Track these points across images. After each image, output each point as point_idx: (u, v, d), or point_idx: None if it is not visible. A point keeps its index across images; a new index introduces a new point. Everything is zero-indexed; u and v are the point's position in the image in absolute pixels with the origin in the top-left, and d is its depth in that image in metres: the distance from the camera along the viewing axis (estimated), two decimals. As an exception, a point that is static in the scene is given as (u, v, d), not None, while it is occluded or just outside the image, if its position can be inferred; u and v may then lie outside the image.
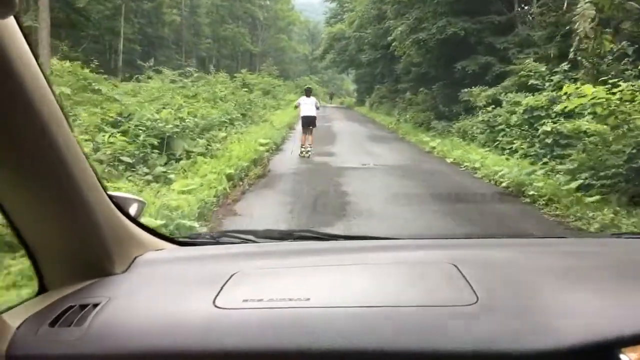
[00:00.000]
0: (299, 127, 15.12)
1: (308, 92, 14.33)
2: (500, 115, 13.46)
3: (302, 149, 13.28)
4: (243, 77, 29.37)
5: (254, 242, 1.56)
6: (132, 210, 1.36)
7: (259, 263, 1.33)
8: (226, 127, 14.97)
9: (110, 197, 1.24)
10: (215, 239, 1.57)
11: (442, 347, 0.92)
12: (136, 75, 24.82)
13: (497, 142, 13.11)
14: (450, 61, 19.66)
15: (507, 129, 12.84)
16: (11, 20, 0.85)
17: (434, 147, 15.14)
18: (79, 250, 1.18)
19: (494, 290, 1.09)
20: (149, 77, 23.37)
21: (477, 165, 11.10)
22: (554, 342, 0.91)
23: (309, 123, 13.56)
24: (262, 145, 13.22)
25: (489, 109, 14.25)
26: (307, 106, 13.61)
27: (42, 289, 1.19)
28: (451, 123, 18.36)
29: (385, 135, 21.00)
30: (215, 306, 1.05)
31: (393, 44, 24.04)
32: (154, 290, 1.19)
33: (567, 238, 1.85)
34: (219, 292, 1.11)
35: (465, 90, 17.64)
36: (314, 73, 72.99)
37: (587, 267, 1.28)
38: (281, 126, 20.36)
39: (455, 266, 1.21)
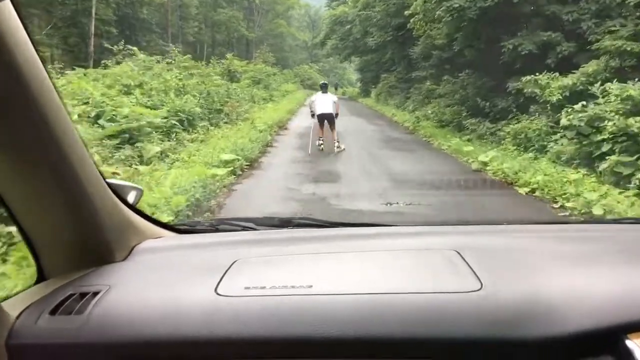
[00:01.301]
0: (293, 125, 13.49)
1: (324, 88, 12.09)
2: (605, 118, 8.20)
3: (321, 142, 11.53)
4: (228, 63, 24.10)
5: (253, 229, 1.51)
6: (131, 197, 1.31)
7: (260, 250, 1.30)
8: (174, 133, 9.75)
9: (109, 184, 1.21)
10: (215, 227, 1.53)
11: (447, 334, 0.90)
12: (104, 61, 19.76)
13: (601, 162, 7.89)
14: (492, 40, 14.44)
15: (625, 142, 7.60)
16: (8, 5, 0.84)
17: (485, 163, 9.93)
18: (78, 238, 1.16)
19: (498, 276, 1.05)
20: (118, 63, 18.30)
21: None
22: (559, 328, 0.89)
23: (325, 120, 11.61)
24: (221, 165, 8.04)
25: (577, 106, 8.98)
26: (324, 104, 11.54)
27: (42, 278, 1.16)
28: (497, 124, 13.16)
29: (403, 137, 15.73)
30: (217, 294, 1.02)
31: (412, 20, 18.70)
32: (155, 278, 1.15)
33: (570, 224, 1.83)
34: (221, 279, 1.08)
35: (517, 79, 12.45)
36: (314, 61, 67.52)
37: (592, 252, 1.24)
38: (267, 126, 15.18)
39: (458, 253, 1.18)
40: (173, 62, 19.00)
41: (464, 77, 17.16)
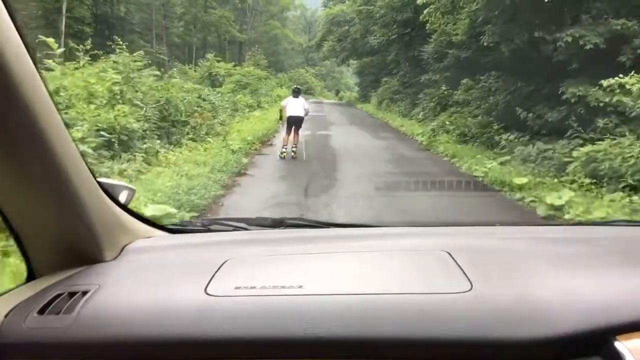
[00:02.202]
0: (280, 140, 11.91)
1: (296, 93, 11.78)
2: None
3: (284, 150, 10.95)
4: (209, 65, 20.56)
5: (245, 229, 1.50)
6: (122, 197, 1.30)
7: (251, 251, 1.29)
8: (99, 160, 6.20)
9: (100, 184, 1.19)
10: (206, 227, 1.51)
11: (436, 335, 0.89)
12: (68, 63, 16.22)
13: None
14: (534, 31, 11.02)
15: None
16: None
17: (558, 208, 6.46)
18: (68, 237, 1.14)
19: (488, 277, 1.04)
20: (76, 68, 14.83)
21: None
22: (549, 329, 0.88)
23: (294, 123, 11.27)
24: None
25: None
26: (294, 107, 11.30)
27: (31, 277, 1.15)
28: (552, 144, 9.66)
29: (419, 157, 12.17)
30: (207, 294, 1.00)
31: (425, 12, 15.20)
32: (145, 278, 1.13)
33: (561, 226, 1.78)
34: (211, 279, 1.06)
35: (575, 84, 8.98)
36: (310, 65, 64.05)
37: (583, 254, 1.23)
38: (245, 143, 11.69)
39: (449, 253, 1.16)
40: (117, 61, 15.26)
41: (492, 81, 13.68)
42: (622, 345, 0.84)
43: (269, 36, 56.84)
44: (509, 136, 11.35)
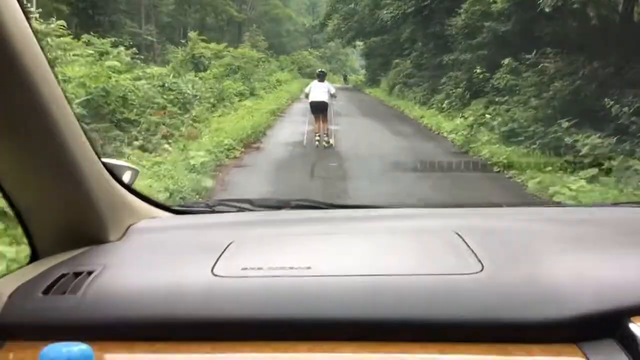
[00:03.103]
0: (273, 141, 10.59)
1: (321, 77, 10.79)
2: None
3: (318, 139, 10.10)
4: (191, 46, 17.03)
5: (250, 210, 1.46)
6: (126, 177, 1.28)
7: (257, 232, 1.26)
8: None
9: (104, 164, 1.17)
10: (211, 208, 1.47)
11: (447, 316, 0.86)
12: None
13: None
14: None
15: None
16: None
17: None
18: (72, 217, 1.12)
19: (499, 258, 1.01)
20: None
21: None
22: (562, 310, 0.85)
23: (319, 109, 10.30)
24: None
25: None
26: (318, 91, 10.34)
27: (35, 257, 1.13)
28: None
29: (465, 169, 8.67)
30: (214, 274, 0.97)
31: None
32: (150, 258, 1.11)
33: (571, 207, 1.78)
34: (217, 260, 1.02)
35: None
36: (314, 47, 60.17)
37: (594, 235, 1.19)
38: (221, 149, 8.31)
39: (459, 234, 1.12)
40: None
41: (550, 61, 10.16)
42: (636, 326, 0.81)
43: (270, 16, 52.91)
44: (588, 138, 7.89)
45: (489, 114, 11.69)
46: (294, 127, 13.19)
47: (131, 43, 23.67)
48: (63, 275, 0.99)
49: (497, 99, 12.16)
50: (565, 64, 9.71)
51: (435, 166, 8.33)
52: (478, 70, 12.92)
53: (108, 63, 8.97)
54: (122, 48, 15.51)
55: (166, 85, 10.60)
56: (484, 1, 12.76)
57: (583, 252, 1.06)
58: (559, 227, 1.27)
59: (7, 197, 1.04)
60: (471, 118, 11.61)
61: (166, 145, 7.80)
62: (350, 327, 0.87)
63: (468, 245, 1.05)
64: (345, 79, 50.31)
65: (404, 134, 12.60)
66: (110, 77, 8.22)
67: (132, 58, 19.90)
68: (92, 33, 19.98)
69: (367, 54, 38.83)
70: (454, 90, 15.43)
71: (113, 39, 20.24)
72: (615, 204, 1.77)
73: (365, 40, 34.75)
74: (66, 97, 1.00)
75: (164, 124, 8.45)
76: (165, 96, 9.88)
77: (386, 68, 30.62)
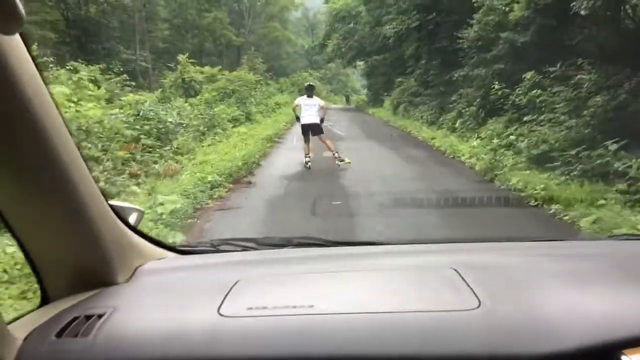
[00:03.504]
0: (268, 173, 9.26)
1: (309, 91, 9.88)
2: None
3: (308, 160, 9.51)
4: (181, 70, 15.76)
5: (254, 249, 1.51)
6: (132, 219, 1.30)
7: (261, 271, 1.29)
8: None
9: (111, 206, 1.19)
10: (216, 247, 1.50)
11: (446, 352, 0.88)
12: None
13: None
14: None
15: None
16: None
17: None
18: (81, 260, 1.14)
19: (496, 294, 1.03)
20: None
21: None
22: (557, 345, 0.87)
23: (309, 131, 9.61)
24: None
25: None
26: (308, 110, 9.59)
27: (46, 300, 1.15)
28: None
29: (494, 204, 7.12)
30: (220, 314, 1.00)
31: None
32: (158, 300, 1.13)
33: (566, 241, 1.77)
34: (223, 300, 1.05)
35: None
36: (315, 69, 59.27)
37: (588, 269, 1.22)
38: (202, 189, 6.86)
39: (457, 271, 1.15)
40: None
41: (585, 72, 8.74)
42: (628, 359, 0.83)
43: (269, 39, 52.09)
44: (646, 164, 6.41)
45: (512, 134, 10.24)
46: (292, 154, 11.76)
47: (121, 70, 22.70)
48: (75, 319, 1.00)
49: (520, 117, 10.74)
50: (604, 76, 8.28)
51: (461, 201, 6.84)
52: (496, 86, 11.46)
53: (57, 89, 7.59)
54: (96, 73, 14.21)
55: (142, 113, 9.20)
56: (498, 10, 11.43)
57: (578, 287, 1.08)
58: (555, 262, 1.28)
59: (18, 241, 1.05)
60: (495, 140, 10.12)
61: (134, 187, 6.36)
62: None
63: (465, 281, 1.07)
64: (347, 99, 49.11)
65: (417, 159, 11.14)
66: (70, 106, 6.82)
67: (122, 85, 18.80)
68: (79, 60, 18.94)
69: (368, 73, 37.72)
70: (466, 109, 14.01)
71: (102, 66, 19.17)
72: (612, 237, 1.83)
73: (366, 59, 33.62)
74: (75, 142, 1.01)
75: (134, 160, 7.06)
76: (139, 127, 8.47)
77: (389, 87, 29.36)
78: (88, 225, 1.08)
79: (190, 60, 15.95)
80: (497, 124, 12.09)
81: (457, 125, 14.14)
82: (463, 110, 14.20)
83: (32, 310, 1.11)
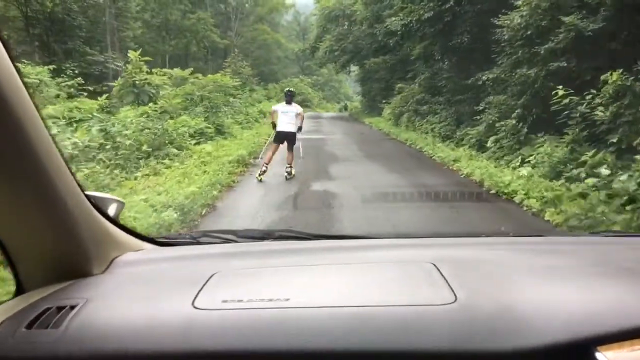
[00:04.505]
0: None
1: (289, 97, 9.08)
2: None
3: (264, 169, 8.57)
4: (131, 71, 12.08)
5: (234, 241, 1.47)
6: (111, 210, 1.27)
7: (239, 263, 1.26)
8: None
9: (88, 197, 1.16)
10: (195, 239, 1.47)
11: (422, 347, 0.88)
12: None
13: None
14: None
15: None
16: None
17: None
18: (57, 251, 1.11)
19: (473, 289, 1.02)
20: None
21: None
22: (532, 341, 0.86)
23: (284, 139, 8.90)
24: None
25: None
26: (285, 118, 8.87)
27: (20, 291, 1.12)
28: None
29: None
30: (195, 307, 0.98)
31: None
32: (133, 291, 1.10)
33: (545, 237, 1.66)
34: (198, 292, 1.03)
35: None
36: (307, 75, 55.81)
37: (565, 265, 1.21)
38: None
39: (435, 265, 1.14)
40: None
41: None
42: (602, 355, 0.82)
43: (258, 43, 48.53)
44: None
45: (595, 163, 6.71)
46: (269, 187, 8.18)
47: (79, 72, 19.11)
48: (47, 310, 0.98)
49: (596, 137, 7.23)
50: None
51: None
52: (560, 92, 7.89)
53: None
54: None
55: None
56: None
57: (554, 283, 1.06)
58: (534, 257, 1.27)
59: None
60: (590, 181, 6.50)
61: None
62: (327, 358, 0.87)
63: (443, 276, 1.06)
64: (345, 108, 45.52)
65: (446, 198, 7.55)
66: None
67: (77, 89, 15.23)
68: (37, 61, 15.46)
69: (363, 78, 34.17)
70: (500, 122, 10.46)
71: (52, 67, 15.62)
72: (592, 234, 1.75)
73: (362, 63, 30.07)
74: (50, 134, 0.99)
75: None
76: None
77: (388, 94, 25.88)
78: (63, 216, 1.05)
79: (144, 59, 12.25)
80: (551, 145, 8.58)
81: (490, 144, 10.58)
82: (495, 123, 10.66)
83: (5, 301, 1.07)
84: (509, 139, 10.02)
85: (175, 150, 9.88)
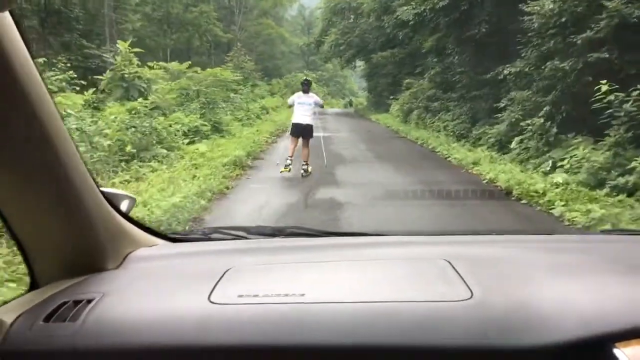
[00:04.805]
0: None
1: (306, 87, 8.61)
2: None
3: (288, 163, 8.21)
4: (120, 63, 11.06)
5: (246, 238, 1.46)
6: (124, 206, 1.26)
7: (253, 259, 1.26)
8: None
9: (102, 193, 1.15)
10: (207, 236, 1.48)
11: (437, 343, 0.87)
12: None
13: None
14: None
15: None
16: (7, 16, 0.81)
17: None
18: (71, 246, 1.11)
19: (488, 286, 1.01)
20: None
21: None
22: (549, 337, 0.86)
23: (301, 133, 8.40)
24: None
25: None
26: (301, 109, 8.40)
27: (35, 285, 1.11)
28: None
29: None
30: (211, 302, 0.97)
31: None
32: (148, 286, 1.11)
33: (559, 235, 1.70)
34: (214, 287, 1.03)
35: None
36: (311, 70, 54.68)
37: (580, 263, 1.20)
38: None
39: (449, 262, 1.13)
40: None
41: None
42: (620, 352, 0.81)
43: (262, 38, 47.43)
44: None
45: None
46: (267, 194, 7.16)
47: (73, 65, 18.19)
48: (64, 304, 0.98)
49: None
50: None
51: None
52: (604, 87, 6.80)
53: None
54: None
55: None
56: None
57: (570, 280, 1.05)
58: (548, 254, 1.26)
59: (7, 226, 1.02)
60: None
61: None
62: (343, 353, 0.86)
63: (458, 273, 1.05)
64: (350, 104, 44.38)
65: (467, 206, 6.49)
66: None
67: (70, 83, 14.28)
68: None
69: (369, 74, 33.06)
70: (526, 121, 9.38)
71: (42, 60, 14.68)
72: (604, 232, 1.73)
73: (369, 57, 28.92)
74: (68, 129, 0.98)
75: None
76: None
77: (395, 90, 24.80)
78: (79, 211, 1.04)
79: (134, 50, 11.22)
80: (586, 147, 7.52)
81: (515, 145, 9.50)
82: (521, 123, 9.57)
83: (21, 295, 1.06)
84: (535, 140, 8.93)
85: (164, 151, 8.86)
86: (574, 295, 0.97)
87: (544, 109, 9.02)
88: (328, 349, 0.86)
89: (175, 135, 10.04)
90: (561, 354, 0.83)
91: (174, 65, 15.87)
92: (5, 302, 1.02)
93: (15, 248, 1.00)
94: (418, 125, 17.67)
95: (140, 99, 10.35)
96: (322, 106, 8.86)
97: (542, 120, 8.94)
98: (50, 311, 0.96)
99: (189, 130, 10.87)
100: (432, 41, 14.75)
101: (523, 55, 10.30)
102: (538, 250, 1.32)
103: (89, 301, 0.99)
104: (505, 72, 10.42)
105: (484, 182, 8.32)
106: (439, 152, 12.02)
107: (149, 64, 15.50)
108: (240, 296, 0.98)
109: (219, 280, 1.05)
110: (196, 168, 8.29)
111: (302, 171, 8.32)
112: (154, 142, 8.90)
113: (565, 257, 1.23)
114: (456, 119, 14.28)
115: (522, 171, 8.41)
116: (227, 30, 42.22)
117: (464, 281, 1.01)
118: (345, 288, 1.03)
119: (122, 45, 11.32)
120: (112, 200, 1.18)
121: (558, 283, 1.02)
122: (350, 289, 1.02)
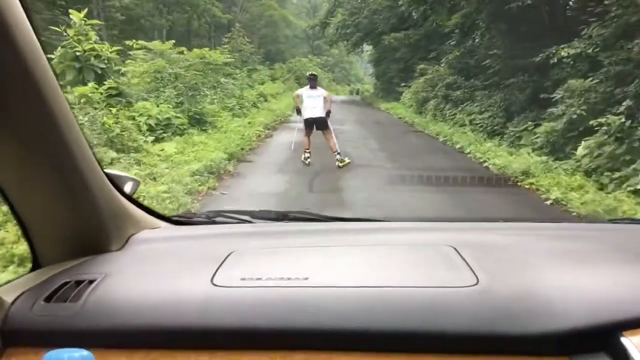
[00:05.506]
0: None
1: (312, 82, 8.35)
2: None
3: (308, 156, 8.14)
4: (72, 38, 8.72)
5: (250, 222, 1.44)
6: (128, 188, 1.24)
7: (256, 243, 1.24)
8: None
9: (107, 174, 1.14)
10: (211, 219, 1.46)
11: (442, 328, 0.85)
12: None
13: None
14: None
15: None
16: None
17: None
18: (74, 227, 1.09)
19: (494, 272, 0.99)
20: None
21: None
22: (555, 324, 0.84)
23: (314, 126, 8.19)
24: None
25: None
26: (311, 103, 8.18)
27: (37, 265, 1.11)
28: None
29: None
30: (213, 284, 0.96)
31: None
32: (151, 268, 1.09)
33: (565, 223, 1.68)
34: (217, 270, 1.02)
35: None
36: (316, 55, 51.96)
37: (587, 251, 1.17)
38: None
39: (455, 248, 1.11)
40: None
41: None
42: (627, 340, 0.80)
43: (265, 20, 44.74)
44: None
45: None
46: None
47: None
48: (65, 284, 0.98)
49: None
50: None
51: None
52: None
53: None
54: None
55: None
56: None
57: (577, 267, 1.04)
58: (555, 242, 1.24)
59: (10, 206, 1.01)
60: None
61: None
62: (346, 338, 0.86)
63: (464, 259, 1.04)
64: (357, 92, 41.79)
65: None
66: None
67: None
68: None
69: (377, 59, 30.45)
70: (602, 120, 6.99)
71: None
72: (612, 221, 1.72)
73: (378, 41, 26.37)
74: (72, 109, 0.97)
75: None
76: None
77: (407, 76, 22.34)
78: (83, 192, 1.04)
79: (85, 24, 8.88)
80: None
81: (578, 150, 7.12)
82: (592, 122, 7.18)
83: (23, 275, 1.06)
84: (613, 145, 6.57)
85: (113, 155, 6.54)
86: (580, 283, 0.94)
87: (624, 103, 6.63)
88: (331, 333, 0.85)
89: (138, 132, 7.70)
90: (567, 341, 0.82)
91: (156, 44, 13.46)
92: (7, 282, 1.01)
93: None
94: (436, 117, 15.27)
95: (91, 83, 7.99)
96: (330, 102, 8.39)
97: (621, 118, 6.57)
98: (52, 291, 0.95)
99: (157, 124, 8.53)
100: (459, 18, 12.26)
101: (583, 33, 7.90)
102: (545, 237, 1.28)
103: (91, 282, 0.97)
104: (563, 53, 8.00)
105: (547, 203, 5.99)
106: (469, 153, 9.64)
107: (127, 42, 13.19)
108: (243, 279, 0.96)
109: (222, 263, 1.04)
110: (153, 180, 6.00)
111: (337, 162, 7.91)
112: (102, 142, 6.57)
113: (572, 245, 1.20)
114: (485, 111, 11.89)
115: (599, 189, 6.09)
116: (228, 11, 39.58)
117: (470, 267, 0.99)
118: (350, 273, 1.01)
119: (75, 16, 8.95)
120: (116, 182, 1.17)
121: (565, 270, 1.00)
122: (354, 274, 1.00)
